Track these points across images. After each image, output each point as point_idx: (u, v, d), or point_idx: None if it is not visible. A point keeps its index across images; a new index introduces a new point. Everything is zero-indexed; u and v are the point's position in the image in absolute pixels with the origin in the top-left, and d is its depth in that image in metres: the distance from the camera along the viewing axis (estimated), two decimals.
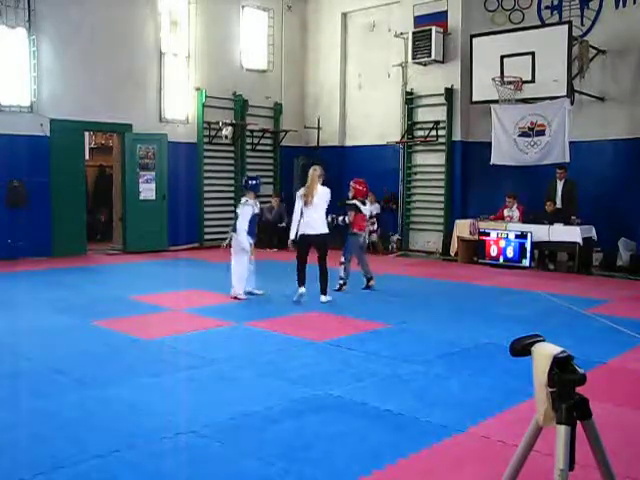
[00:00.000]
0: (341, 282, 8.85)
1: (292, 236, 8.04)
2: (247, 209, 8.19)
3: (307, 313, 7.54)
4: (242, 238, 8.13)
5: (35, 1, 11.44)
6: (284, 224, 12.94)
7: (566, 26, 11.24)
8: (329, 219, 8.31)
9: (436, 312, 7.73)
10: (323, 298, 7.99)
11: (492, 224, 11.94)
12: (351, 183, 9.11)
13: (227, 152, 14.60)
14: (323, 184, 8.12)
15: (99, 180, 15.82)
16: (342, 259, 8.88)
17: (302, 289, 8.02)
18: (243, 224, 8.14)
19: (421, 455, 3.62)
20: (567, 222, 11.13)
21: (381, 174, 14.20)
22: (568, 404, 1.68)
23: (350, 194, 9.08)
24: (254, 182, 8.48)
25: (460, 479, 3.37)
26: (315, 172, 8.06)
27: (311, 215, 7.93)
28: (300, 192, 8.11)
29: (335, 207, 8.87)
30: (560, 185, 11.66)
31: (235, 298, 8.18)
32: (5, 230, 11.26)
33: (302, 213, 7.96)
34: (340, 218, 8.90)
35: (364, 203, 9.03)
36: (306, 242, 8.02)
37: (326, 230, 8.04)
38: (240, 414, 4.18)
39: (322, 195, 8.01)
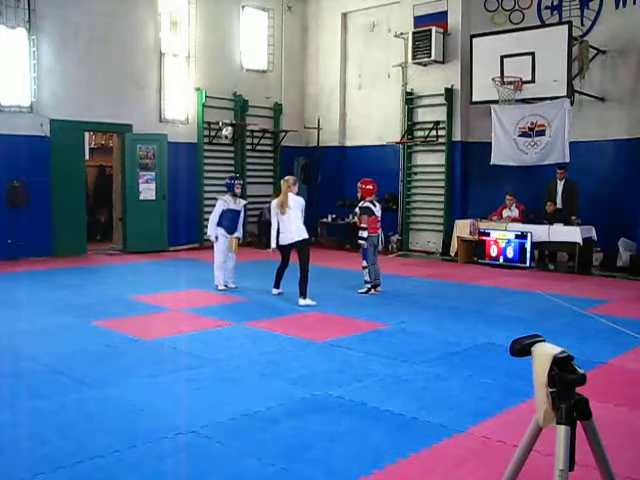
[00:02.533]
0: (368, 286, 8.79)
1: (273, 244, 8.28)
2: (218, 203, 9.00)
3: (307, 313, 7.54)
4: (208, 229, 9.10)
5: (35, 1, 11.45)
6: None
7: (566, 26, 11.25)
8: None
9: (436, 312, 7.73)
10: (301, 301, 7.96)
11: (492, 224, 11.94)
12: (358, 184, 8.96)
13: (227, 152, 14.61)
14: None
15: (99, 180, 15.82)
16: (364, 263, 8.80)
17: (276, 290, 8.54)
18: (212, 217, 9.02)
19: (421, 455, 3.62)
20: (567, 222, 11.13)
21: (381, 174, 14.15)
22: (568, 404, 1.68)
23: (358, 195, 8.97)
24: (228, 181, 9.22)
25: (460, 479, 3.37)
26: (286, 183, 8.29)
27: (287, 226, 8.15)
28: (274, 203, 8.34)
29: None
30: (560, 185, 11.65)
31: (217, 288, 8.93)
32: (5, 230, 11.26)
33: (279, 223, 8.22)
34: (360, 233, 8.79)
35: (374, 204, 8.90)
36: (287, 249, 8.33)
37: (305, 236, 8.20)
38: (240, 414, 4.18)
39: (297, 205, 8.27)
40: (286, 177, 8.53)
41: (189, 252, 13.40)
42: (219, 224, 8.96)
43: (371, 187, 8.87)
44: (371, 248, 8.86)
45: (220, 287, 8.95)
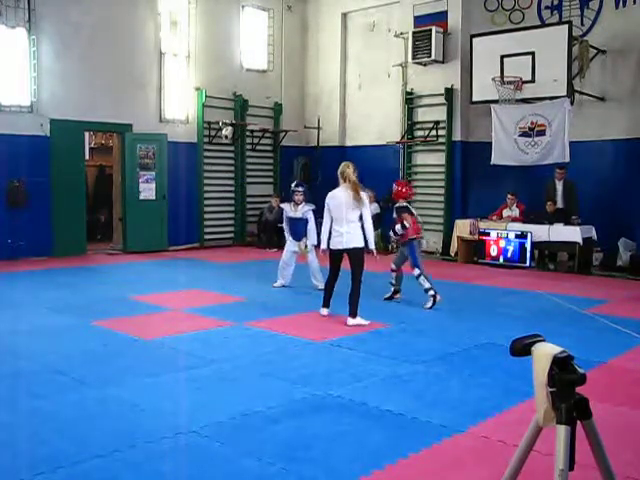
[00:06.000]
0: (432, 292, 7.83)
1: (324, 245, 7.30)
2: (284, 212, 9.32)
3: (307, 313, 7.53)
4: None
5: (35, 1, 11.44)
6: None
7: (566, 26, 11.24)
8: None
9: (436, 312, 7.72)
10: (350, 321, 6.90)
11: (492, 224, 11.94)
12: (394, 185, 8.50)
13: (227, 152, 14.60)
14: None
15: (99, 180, 15.82)
16: (416, 272, 7.88)
17: (325, 310, 7.33)
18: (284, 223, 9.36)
19: (421, 455, 3.62)
20: (567, 222, 11.14)
21: (381, 174, 14.19)
22: (568, 404, 1.68)
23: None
24: (291, 190, 9.36)
25: (460, 479, 3.37)
26: (349, 169, 7.09)
27: (339, 227, 7.04)
28: (332, 194, 7.18)
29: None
30: (560, 185, 11.68)
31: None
32: (5, 230, 11.25)
33: (332, 222, 7.14)
34: (397, 227, 7.97)
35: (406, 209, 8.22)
36: (337, 255, 7.20)
37: (357, 243, 6.99)
38: (240, 414, 4.18)
39: (355, 201, 7.04)
40: (346, 162, 7.32)
41: (189, 252, 13.40)
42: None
43: (400, 188, 8.35)
44: (407, 251, 8.13)
45: (275, 285, 9.09)
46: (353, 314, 6.93)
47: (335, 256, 7.18)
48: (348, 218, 7.00)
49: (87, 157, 14.25)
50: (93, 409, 4.28)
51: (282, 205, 9.50)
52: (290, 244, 9.12)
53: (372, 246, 7.24)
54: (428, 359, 5.60)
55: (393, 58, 14.35)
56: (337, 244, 7.07)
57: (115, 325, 6.74)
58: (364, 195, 7.10)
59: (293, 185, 9.37)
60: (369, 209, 7.24)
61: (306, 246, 9.00)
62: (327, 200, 7.21)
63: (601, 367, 5.41)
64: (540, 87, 11.42)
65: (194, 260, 12.29)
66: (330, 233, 7.22)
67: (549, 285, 9.64)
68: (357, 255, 7.01)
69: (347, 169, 7.09)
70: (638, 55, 11.56)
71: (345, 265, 7.20)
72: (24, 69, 11.56)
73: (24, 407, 4.30)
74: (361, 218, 7.08)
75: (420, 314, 7.62)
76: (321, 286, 8.45)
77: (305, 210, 9.04)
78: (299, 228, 9.07)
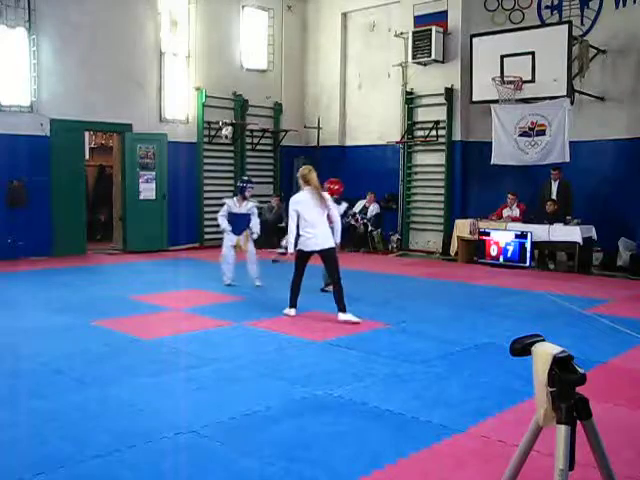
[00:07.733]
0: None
1: (291, 249, 7.22)
2: (224, 206, 9.29)
3: (307, 313, 7.53)
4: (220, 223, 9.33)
5: (35, 1, 11.45)
6: (284, 224, 12.97)
7: (566, 26, 11.25)
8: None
9: (436, 312, 7.73)
10: (341, 316, 7.00)
11: (492, 224, 11.94)
12: (325, 184, 8.24)
13: (227, 152, 14.61)
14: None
15: (99, 180, 15.82)
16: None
17: (293, 311, 7.34)
18: (219, 215, 9.35)
19: (421, 455, 3.62)
20: (563, 222, 11.14)
21: (381, 174, 14.23)
22: (568, 404, 1.68)
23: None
24: (239, 184, 9.52)
25: (460, 479, 3.37)
26: (312, 172, 7.22)
27: (312, 228, 7.09)
28: (300, 198, 7.21)
29: None
30: (555, 186, 11.70)
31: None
32: (5, 230, 11.27)
33: (300, 223, 7.16)
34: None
35: (338, 202, 8.44)
36: (306, 256, 7.26)
37: (331, 243, 7.17)
38: (240, 414, 4.18)
39: (327, 202, 7.27)
40: (306, 166, 7.43)
41: (189, 252, 13.40)
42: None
43: (331, 186, 8.42)
44: None
45: (225, 282, 9.16)
46: (342, 309, 7.07)
47: (305, 257, 7.32)
48: (322, 220, 7.21)
49: (87, 157, 14.25)
50: (93, 409, 4.28)
51: (225, 200, 9.46)
52: (228, 239, 9.19)
53: (338, 240, 7.53)
54: (428, 359, 5.60)
55: (393, 58, 14.35)
56: (312, 245, 7.17)
57: (115, 325, 6.74)
58: (327, 196, 7.40)
59: (245, 181, 9.46)
60: (335, 208, 7.56)
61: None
62: (294, 206, 7.20)
63: (601, 367, 5.40)
64: (540, 87, 11.43)
65: (194, 260, 12.29)
66: (298, 235, 7.27)
67: (549, 285, 9.64)
68: (332, 255, 7.24)
69: (310, 174, 7.23)
70: (638, 55, 11.56)
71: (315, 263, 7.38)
72: (24, 69, 11.56)
73: (24, 407, 4.30)
74: (329, 218, 7.38)
75: (420, 314, 7.62)
76: (259, 282, 9.02)
77: (250, 206, 9.24)
78: (242, 223, 9.22)
